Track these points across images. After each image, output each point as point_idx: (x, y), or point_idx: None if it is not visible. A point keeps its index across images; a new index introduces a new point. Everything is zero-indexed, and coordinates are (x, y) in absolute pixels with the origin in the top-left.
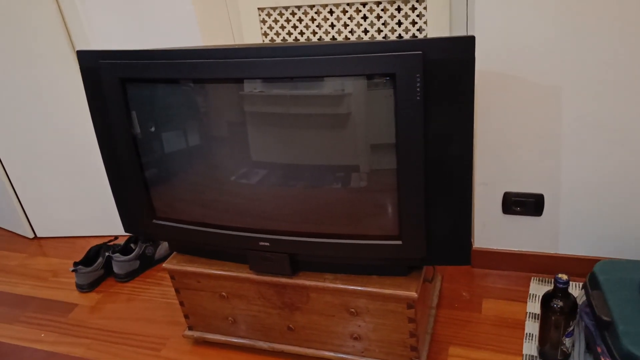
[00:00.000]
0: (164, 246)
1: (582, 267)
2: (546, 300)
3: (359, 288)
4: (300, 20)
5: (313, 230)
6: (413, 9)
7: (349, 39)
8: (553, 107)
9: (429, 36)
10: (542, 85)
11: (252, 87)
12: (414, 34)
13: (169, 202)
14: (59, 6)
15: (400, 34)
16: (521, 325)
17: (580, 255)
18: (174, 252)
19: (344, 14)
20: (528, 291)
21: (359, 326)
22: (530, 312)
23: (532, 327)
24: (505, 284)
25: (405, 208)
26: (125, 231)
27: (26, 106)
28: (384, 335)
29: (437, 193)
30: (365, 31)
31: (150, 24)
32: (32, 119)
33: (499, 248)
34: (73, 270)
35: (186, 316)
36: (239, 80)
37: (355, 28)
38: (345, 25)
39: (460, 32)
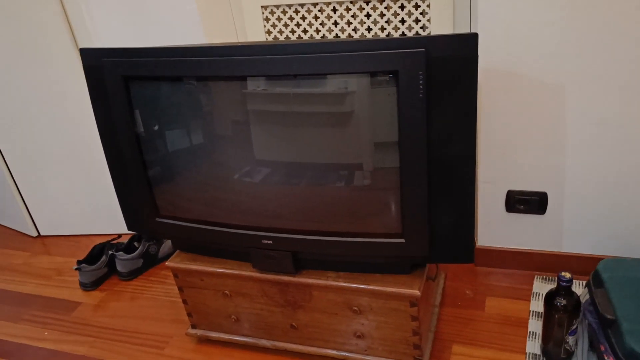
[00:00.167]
0: (167, 244)
1: (586, 265)
2: (549, 298)
3: (362, 286)
4: (303, 18)
5: (316, 228)
6: (416, 6)
7: (352, 36)
8: (557, 105)
9: (432, 34)
10: (545, 83)
11: (255, 85)
12: (417, 31)
13: (172, 200)
14: (62, 4)
15: (403, 32)
16: (524, 324)
17: (584, 254)
18: (177, 251)
19: (347, 12)
20: (531, 289)
21: (362, 324)
22: (533, 311)
23: (535, 326)
24: (509, 282)
25: (408, 206)
26: (129, 229)
27: (29, 104)
28: (387, 333)
29: (440, 191)
30: (369, 29)
31: (153, 21)
32: (35, 118)
33: (502, 246)
34: (76, 269)
35: (189, 314)
36: (242, 78)
37: (358, 26)
38: (349, 23)
39: (463, 29)
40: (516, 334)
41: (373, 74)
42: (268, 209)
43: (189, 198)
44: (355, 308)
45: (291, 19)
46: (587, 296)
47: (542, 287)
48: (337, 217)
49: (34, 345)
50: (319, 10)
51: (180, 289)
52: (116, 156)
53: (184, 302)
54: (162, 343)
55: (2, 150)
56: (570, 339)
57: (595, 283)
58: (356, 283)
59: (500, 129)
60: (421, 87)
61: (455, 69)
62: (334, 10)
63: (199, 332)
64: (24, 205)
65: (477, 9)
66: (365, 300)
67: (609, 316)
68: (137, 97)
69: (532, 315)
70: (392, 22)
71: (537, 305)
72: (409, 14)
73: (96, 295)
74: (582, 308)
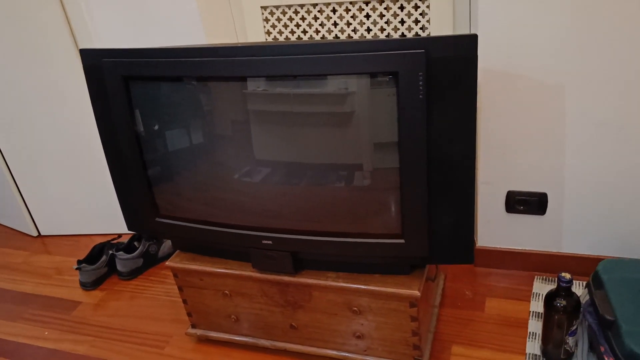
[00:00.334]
0: (167, 244)
1: (586, 266)
2: (549, 299)
3: (362, 286)
4: (303, 18)
5: (316, 228)
6: (416, 7)
7: (352, 37)
8: (556, 106)
9: (432, 34)
10: (545, 84)
11: (255, 86)
12: (417, 32)
13: (172, 200)
14: (62, 5)
15: (403, 33)
16: (524, 324)
17: (584, 254)
18: (177, 250)
19: (347, 13)
20: (531, 290)
21: (362, 325)
22: (533, 311)
23: (535, 326)
24: (509, 283)
25: (408, 206)
26: (129, 229)
27: (30, 104)
28: (387, 333)
29: (440, 191)
30: (368, 30)
31: (153, 22)
32: (35, 118)
33: (502, 247)
34: (77, 268)
35: (189, 314)
36: (243, 79)
37: (358, 26)
38: (348, 24)
39: (463, 30)
40: (516, 335)
41: (373, 75)
42: (268, 209)
43: (189, 198)
44: (355, 308)
45: (291, 19)
46: (587, 297)
47: (542, 287)
48: (337, 217)
49: (33, 345)
50: (319, 11)
51: (180, 289)
52: (116, 156)
53: (184, 301)
54: (162, 342)
55: (2, 150)
56: (570, 340)
57: (595, 284)
58: (356, 283)
59: (500, 129)
60: (421, 87)
61: (455, 69)
62: (334, 11)
63: (198, 331)
64: (24, 205)
65: (476, 9)
66: (365, 300)
67: (608, 317)
68: (137, 97)
69: (532, 316)
70: (391, 23)
71: (537, 305)
72: (409, 14)
73: (96, 294)
74: (582, 309)
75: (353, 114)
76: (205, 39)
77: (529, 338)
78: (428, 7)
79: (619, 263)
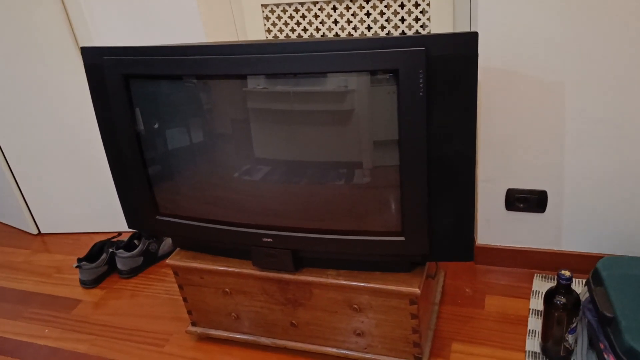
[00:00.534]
0: (167, 242)
1: (585, 263)
2: (549, 296)
3: (362, 284)
4: (303, 17)
5: (316, 226)
6: (416, 5)
7: (352, 35)
8: (556, 103)
9: (432, 32)
10: (545, 82)
11: (255, 84)
12: (417, 30)
13: (173, 198)
14: (63, 3)
15: (403, 30)
16: (524, 322)
17: (584, 252)
18: (178, 249)
19: (347, 10)
20: (531, 287)
21: (362, 322)
22: (533, 309)
23: (534, 324)
24: (508, 281)
25: (408, 204)
26: (129, 227)
27: (30, 103)
28: (387, 331)
29: (440, 189)
30: (369, 28)
31: (154, 20)
32: (36, 116)
33: (502, 244)
34: (77, 267)
35: (189, 312)
36: (243, 77)
37: (358, 25)
38: (349, 22)
39: (463, 28)
40: (516, 332)
41: (373, 73)
42: (268, 207)
43: (190, 196)
44: (355, 306)
45: (291, 17)
46: (587, 294)
47: (541, 285)
48: (337, 215)
49: (34, 343)
50: (319, 9)
51: (181, 287)
52: (116, 154)
53: (184, 299)
54: (162, 341)
55: (2, 149)
56: (570, 337)
57: (595, 281)
58: (356, 281)
59: (500, 127)
60: (421, 85)
61: (455, 67)
62: (334, 8)
63: (199, 329)
64: (24, 203)
65: (477, 7)
66: (365, 298)
67: (608, 314)
68: (138, 95)
69: (532, 314)
70: (392, 20)
71: (537, 303)
72: (409, 12)
73: (96, 293)
74: (581, 306)
75: (353, 112)
76: (205, 37)
77: (528, 335)
78: (428, 4)
79: (618, 260)
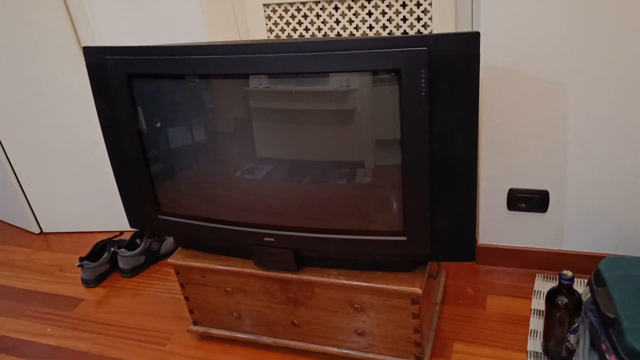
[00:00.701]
0: (169, 241)
1: (587, 263)
2: (551, 296)
3: (364, 284)
4: (305, 16)
5: (318, 225)
6: (418, 4)
7: (354, 34)
8: (558, 103)
9: (434, 32)
10: (547, 81)
11: (257, 83)
12: (419, 30)
13: (174, 197)
14: (65, 3)
15: (405, 30)
16: (526, 322)
17: (585, 252)
18: (179, 248)
19: (349, 10)
20: (533, 287)
21: (363, 322)
22: (534, 309)
23: (536, 324)
24: (510, 281)
25: (410, 204)
26: (131, 226)
27: (32, 102)
28: (388, 331)
29: (442, 189)
30: (370, 27)
31: (156, 20)
32: (38, 115)
33: (503, 244)
34: (79, 265)
35: (191, 311)
36: (245, 76)
37: (360, 24)
38: (350, 22)
39: (465, 27)
40: (517, 332)
41: (375, 72)
42: (270, 206)
43: (191, 195)
44: (357, 305)
45: (293, 17)
46: (589, 295)
47: (543, 285)
48: (339, 214)
49: (36, 341)
50: (321, 9)
51: (182, 286)
52: (119, 153)
53: (186, 299)
54: (164, 339)
55: (5, 148)
56: (572, 338)
57: (597, 281)
58: (358, 281)
59: (502, 127)
60: (423, 85)
61: (457, 67)
62: (336, 8)
63: (200, 328)
64: (26, 202)
65: (479, 7)
66: (367, 297)
67: (610, 315)
68: (140, 94)
69: (534, 314)
70: (393, 20)
71: (539, 303)
72: (411, 12)
73: (98, 291)
74: (583, 306)
75: (355, 112)
76: (207, 37)
77: (530, 335)
78: (430, 4)
79: (620, 260)
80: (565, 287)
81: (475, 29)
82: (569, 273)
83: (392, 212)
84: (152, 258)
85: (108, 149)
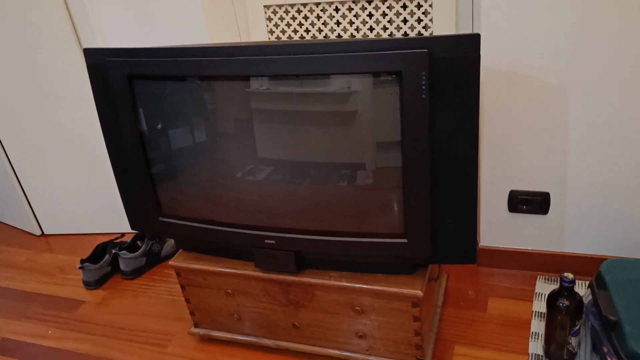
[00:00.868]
0: (170, 243)
1: (589, 266)
2: (552, 299)
3: (364, 286)
4: (306, 18)
5: (319, 228)
6: (419, 6)
7: (355, 36)
8: (559, 106)
9: (434, 34)
10: (548, 84)
11: (258, 85)
12: (419, 31)
13: (175, 199)
14: (66, 4)
15: (406, 32)
16: (527, 325)
17: (587, 254)
18: (180, 250)
19: (350, 12)
20: (534, 290)
21: (364, 324)
22: (536, 311)
23: (538, 326)
24: (511, 283)
25: (410, 206)
26: (132, 229)
27: (33, 103)
28: (389, 333)
29: (443, 191)
30: (371, 29)
31: (157, 21)
32: (39, 117)
33: (504, 246)
34: (80, 267)
35: (192, 313)
36: (246, 78)
37: (361, 26)
38: (351, 23)
39: (466, 29)
40: (518, 335)
41: (376, 74)
42: (271, 208)
43: (192, 197)
44: (358, 308)
45: (293, 18)
46: (590, 297)
47: (544, 287)
48: (339, 216)
49: (37, 343)
50: (321, 10)
51: (183, 288)
52: (119, 155)
53: (187, 300)
54: (165, 341)
55: (6, 149)
56: (573, 340)
57: (598, 284)
58: (358, 283)
59: (503, 129)
60: (424, 87)
61: (457, 69)
62: (336, 9)
63: (201, 330)
64: (27, 204)
65: (479, 9)
66: (368, 300)
67: (611, 318)
68: (141, 96)
69: (535, 316)
70: (394, 21)
71: (540, 306)
72: (411, 13)
73: (99, 293)
74: (584, 309)
75: (356, 113)
76: (208, 38)
77: (531, 338)
78: (431, 6)
79: (622, 263)
80: (566, 290)
81: (476, 31)
82: (570, 275)
83: (393, 214)
84: (153, 260)
85: (109, 150)
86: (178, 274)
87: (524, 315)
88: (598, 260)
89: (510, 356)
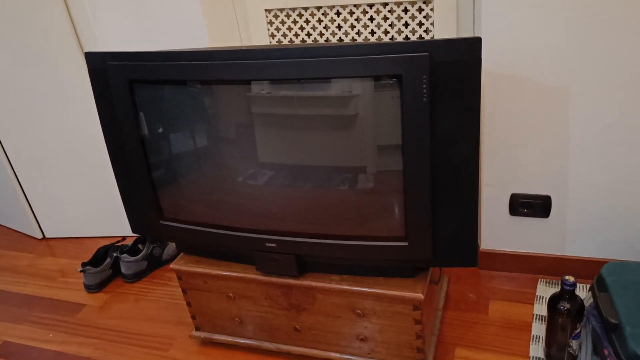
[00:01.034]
0: (171, 246)
1: (590, 268)
2: (553, 302)
3: (365, 289)
4: (307, 22)
5: (320, 231)
6: (420, 10)
7: (355, 40)
8: (560, 109)
9: (435, 37)
10: (549, 87)
11: (259, 89)
12: (420, 35)
13: (176, 202)
14: (67, 8)
15: (407, 36)
16: (528, 327)
17: (588, 257)
18: (182, 253)
19: (351, 16)
20: (535, 293)
21: (365, 327)
22: (537, 314)
23: (538, 329)
24: (512, 286)
25: (411, 209)
26: (133, 232)
27: (34, 107)
28: (390, 336)
29: (444, 194)
30: (372, 33)
31: (158, 25)
32: (40, 120)
33: (506, 249)
34: (81, 271)
35: (193, 317)
36: (247, 82)
37: (362, 29)
38: (352, 27)
39: (467, 33)
40: (519, 338)
41: (377, 78)
42: (272, 211)
43: (193, 201)
44: (359, 311)
45: (295, 22)
46: (591, 300)
47: (545, 290)
48: (340, 220)
49: (38, 347)
50: (323, 14)
51: (184, 292)
52: (121, 159)
53: (188, 304)
54: (166, 345)
55: (7, 153)
56: (574, 343)
57: (599, 287)
58: (360, 286)
59: (504, 132)
60: (424, 90)
61: (458, 72)
62: (338, 13)
63: (202, 334)
64: (28, 208)
65: (480, 12)
66: (369, 303)
67: (612, 320)
68: (142, 100)
69: (536, 319)
70: (395, 25)
71: (541, 308)
72: (413, 17)
73: (100, 297)
74: (585, 312)
75: (357, 117)
76: (209, 42)
77: (532, 341)
78: (432, 9)
79: (623, 266)
80: (567, 293)
81: (476, 34)
82: (571, 278)
83: (394, 218)
84: (155, 263)
85: (110, 154)
86: (179, 278)
87: (525, 318)
88: (599, 264)
89: (511, 359)
